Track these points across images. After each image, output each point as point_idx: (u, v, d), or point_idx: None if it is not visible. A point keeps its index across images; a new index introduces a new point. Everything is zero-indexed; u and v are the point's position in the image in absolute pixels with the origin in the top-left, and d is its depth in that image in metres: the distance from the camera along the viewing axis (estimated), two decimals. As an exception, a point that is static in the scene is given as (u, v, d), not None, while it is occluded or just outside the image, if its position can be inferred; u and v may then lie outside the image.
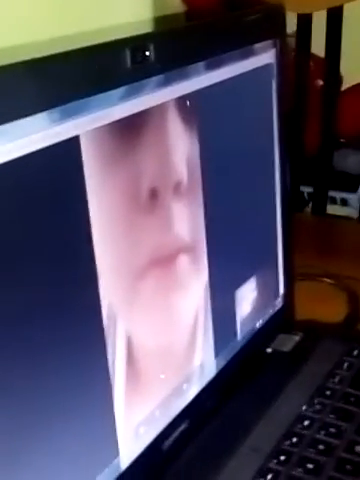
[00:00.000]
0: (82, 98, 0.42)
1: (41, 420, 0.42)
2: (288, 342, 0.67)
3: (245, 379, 0.62)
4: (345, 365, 0.64)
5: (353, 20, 1.15)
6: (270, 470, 0.53)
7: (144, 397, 0.51)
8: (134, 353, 0.49)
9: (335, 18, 1.13)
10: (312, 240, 0.93)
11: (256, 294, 0.64)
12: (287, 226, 0.68)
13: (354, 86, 1.33)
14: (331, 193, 1.24)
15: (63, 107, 0.41)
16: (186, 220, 0.53)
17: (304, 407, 0.59)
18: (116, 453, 0.49)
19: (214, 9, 1.04)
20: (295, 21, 1.11)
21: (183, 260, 0.53)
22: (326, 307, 0.73)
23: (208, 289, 0.57)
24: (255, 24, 0.60)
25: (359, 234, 0.98)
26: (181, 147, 0.52)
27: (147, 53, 0.47)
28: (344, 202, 1.31)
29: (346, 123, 1.26)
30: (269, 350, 0.67)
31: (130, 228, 0.48)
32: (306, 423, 0.57)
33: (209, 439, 0.56)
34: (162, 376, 0.53)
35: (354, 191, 1.31)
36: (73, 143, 0.42)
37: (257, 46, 0.60)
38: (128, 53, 0.45)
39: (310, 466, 0.53)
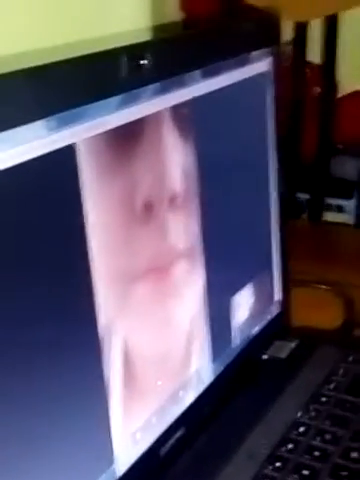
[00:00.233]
0: (79, 106, 0.42)
1: (37, 427, 0.42)
2: (284, 348, 0.68)
3: (241, 385, 0.62)
4: (341, 371, 0.64)
5: (349, 27, 1.16)
6: (266, 476, 0.53)
7: (141, 404, 0.51)
8: (131, 360, 0.49)
9: (331, 26, 1.13)
10: (308, 246, 0.94)
11: (252, 301, 0.65)
12: (283, 233, 0.68)
13: (351, 93, 1.33)
14: (327, 200, 1.24)
15: (60, 115, 0.41)
16: (182, 228, 0.53)
17: (300, 413, 0.59)
18: (113, 460, 0.49)
19: (212, 17, 1.04)
20: (292, 29, 1.11)
21: (179, 267, 0.54)
22: (322, 313, 0.74)
23: (205, 296, 0.57)
24: (251, 32, 0.60)
25: (355, 240, 0.98)
26: (177, 155, 0.52)
27: (143, 61, 0.47)
28: (340, 209, 1.31)
29: (343, 130, 1.26)
30: (265, 357, 0.67)
31: (126, 236, 0.48)
32: (302, 429, 0.57)
33: (205, 445, 0.56)
34: (159, 383, 0.53)
35: (350, 198, 1.31)
36: (70, 151, 0.42)
37: (253, 54, 0.60)
38: (124, 61, 0.46)
39: (306, 472, 0.53)
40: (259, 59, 0.61)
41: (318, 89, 1.18)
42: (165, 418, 0.54)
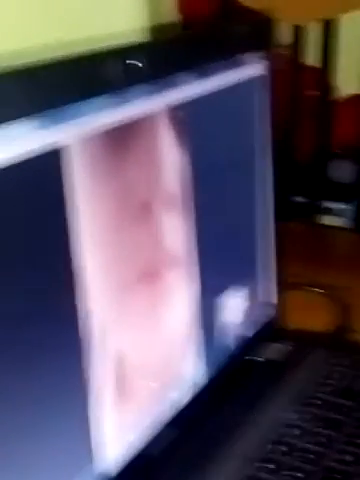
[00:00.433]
0: (71, 106, 0.42)
1: (25, 429, 0.42)
2: (279, 352, 0.67)
3: (235, 388, 0.62)
4: (335, 375, 0.64)
5: (347, 31, 1.16)
6: (259, 479, 0.53)
7: (133, 406, 0.51)
8: (124, 363, 0.49)
9: (329, 29, 1.13)
10: (304, 250, 0.93)
11: (247, 304, 0.65)
12: (278, 236, 0.68)
13: (348, 97, 1.33)
14: (325, 203, 1.24)
15: (52, 114, 0.41)
16: (175, 231, 0.53)
17: (294, 416, 0.59)
18: (104, 461, 0.49)
19: (209, 18, 1.04)
20: (289, 32, 1.12)
21: (173, 271, 0.53)
22: (317, 317, 0.73)
23: (199, 299, 0.57)
24: (245, 35, 0.61)
25: (351, 244, 0.98)
26: (170, 157, 0.52)
27: (136, 62, 0.47)
28: (337, 212, 1.31)
29: (340, 134, 1.26)
30: (260, 359, 0.67)
31: (119, 238, 0.48)
32: (296, 432, 0.57)
33: (198, 448, 0.56)
34: (152, 385, 0.53)
35: (348, 201, 1.31)
36: (62, 151, 0.42)
37: (247, 57, 0.60)
38: (117, 62, 0.46)
39: (299, 475, 0.53)
40: (253, 62, 0.61)
41: (315, 92, 1.18)
42: (158, 421, 0.54)
